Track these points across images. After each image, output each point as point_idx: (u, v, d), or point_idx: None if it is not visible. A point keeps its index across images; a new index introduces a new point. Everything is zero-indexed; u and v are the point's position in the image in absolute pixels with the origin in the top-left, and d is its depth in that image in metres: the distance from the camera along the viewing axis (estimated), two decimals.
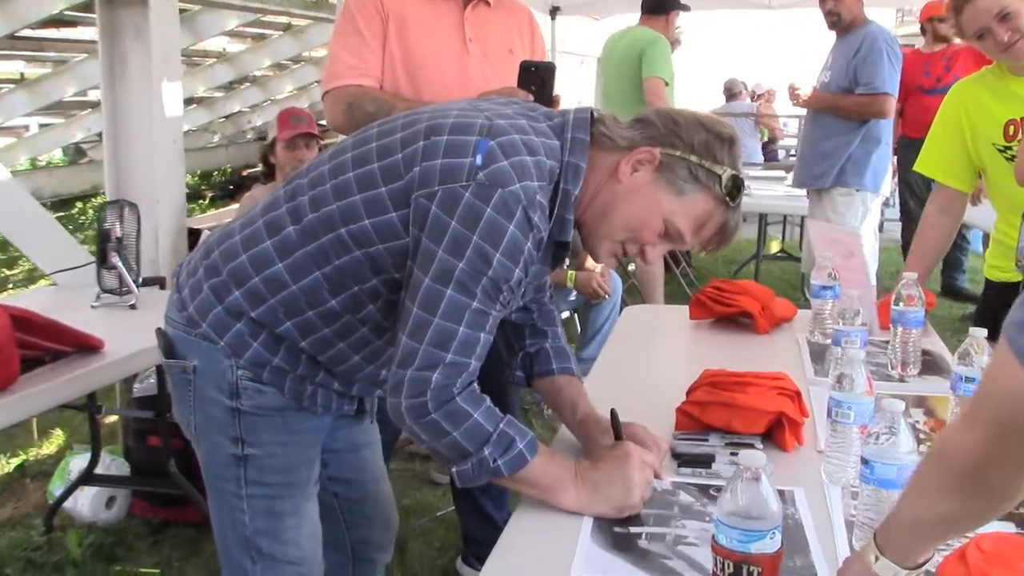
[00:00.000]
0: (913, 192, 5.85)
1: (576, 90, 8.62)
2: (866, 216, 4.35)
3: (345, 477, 1.79)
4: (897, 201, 6.14)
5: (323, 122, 2.51)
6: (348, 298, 1.44)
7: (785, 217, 7.33)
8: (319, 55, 8.55)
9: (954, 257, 5.84)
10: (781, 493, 1.29)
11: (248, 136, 11.12)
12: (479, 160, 1.31)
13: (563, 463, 1.42)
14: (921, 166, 2.54)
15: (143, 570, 2.82)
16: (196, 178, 10.72)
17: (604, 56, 4.94)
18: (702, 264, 6.99)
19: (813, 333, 2.32)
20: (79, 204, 9.32)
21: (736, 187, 1.41)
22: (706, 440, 1.64)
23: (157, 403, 2.87)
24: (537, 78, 2.05)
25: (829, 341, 2.14)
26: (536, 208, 1.33)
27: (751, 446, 1.62)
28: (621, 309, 3.96)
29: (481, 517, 2.59)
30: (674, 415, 1.71)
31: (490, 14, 2.32)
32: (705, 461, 1.55)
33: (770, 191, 6.10)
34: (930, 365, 2.10)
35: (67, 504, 3.07)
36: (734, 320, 2.46)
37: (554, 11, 6.90)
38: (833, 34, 4.39)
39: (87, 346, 2.29)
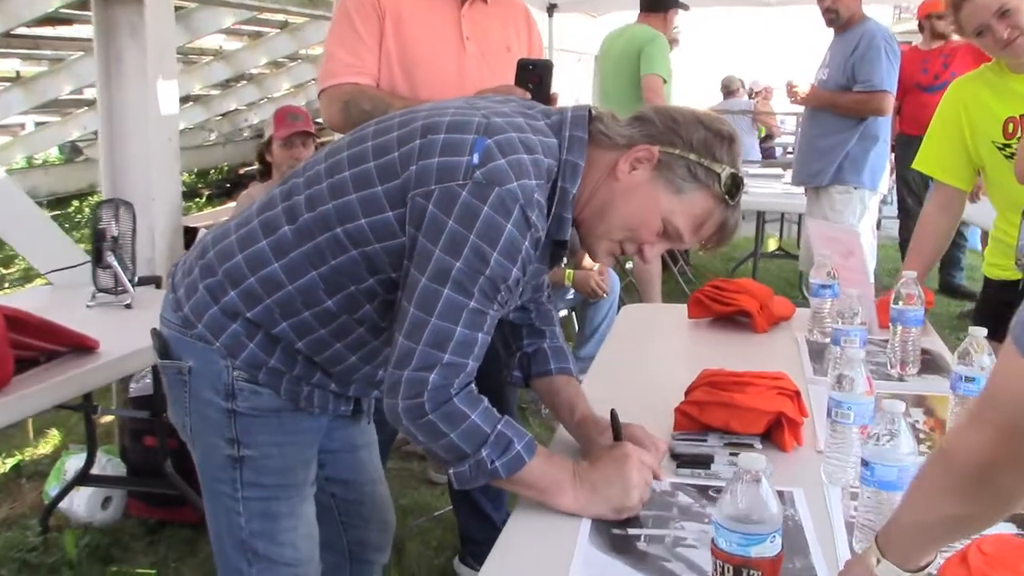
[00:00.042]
0: (911, 189, 5.84)
1: (573, 88, 8.61)
2: (864, 214, 4.34)
3: (342, 478, 1.78)
4: (895, 198, 6.13)
5: (320, 120, 2.49)
6: (344, 298, 1.43)
7: (783, 215, 7.33)
8: (316, 53, 8.52)
9: (952, 255, 5.84)
10: (780, 494, 1.27)
11: (245, 134, 11.09)
12: (476, 159, 1.30)
13: (561, 464, 1.41)
14: (920, 164, 2.53)
15: (139, 571, 2.81)
16: (193, 176, 10.72)
17: (602, 54, 4.93)
18: (700, 262, 6.99)
19: (812, 332, 2.31)
20: (75, 202, 9.31)
21: (735, 185, 1.40)
22: (705, 440, 1.64)
23: (153, 403, 2.87)
24: (534, 76, 2.04)
25: (828, 340, 2.13)
26: (534, 207, 1.32)
27: (750, 446, 1.61)
28: (619, 308, 3.95)
29: (479, 517, 2.58)
30: (672, 415, 1.70)
31: (487, 11, 2.30)
32: (704, 462, 1.54)
33: (768, 189, 6.10)
34: (929, 364, 2.09)
35: (63, 504, 3.05)
36: (732, 319, 2.45)
37: (551, 8, 6.89)
38: (831, 31, 4.38)
39: (82, 346, 2.28)
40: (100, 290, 2.82)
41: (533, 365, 1.69)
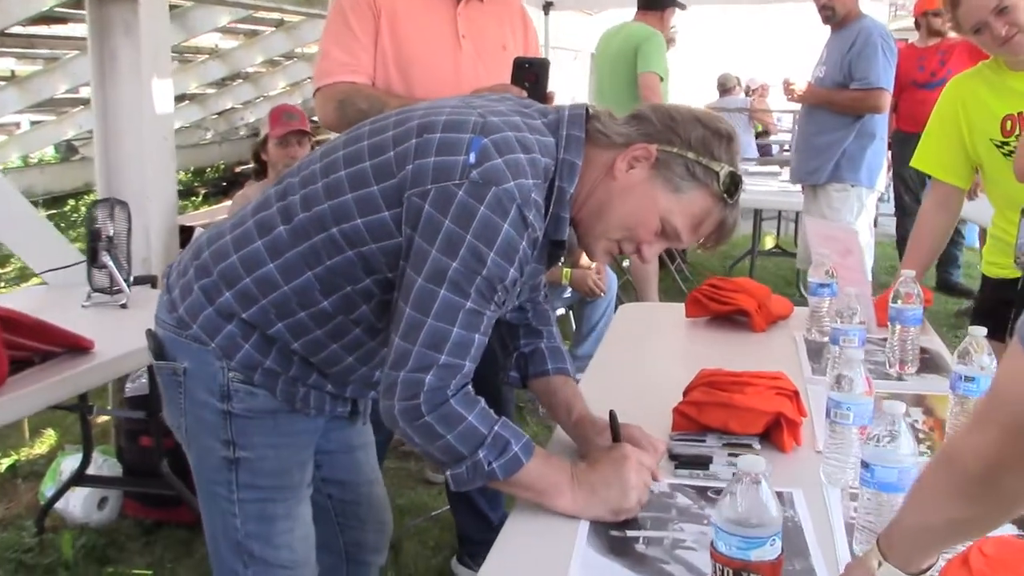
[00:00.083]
0: (908, 187, 5.84)
1: (569, 86, 8.60)
2: (861, 212, 4.34)
3: (339, 479, 1.77)
4: (891, 196, 6.13)
5: (316, 119, 2.48)
6: (340, 299, 1.42)
7: (780, 212, 7.32)
8: (312, 51, 8.51)
9: (949, 252, 5.84)
10: (779, 495, 1.27)
11: (241, 133, 11.08)
12: (473, 158, 1.29)
13: (559, 466, 1.40)
14: (918, 162, 2.52)
15: (135, 572, 2.80)
16: (189, 175, 10.69)
17: (599, 52, 4.92)
18: (697, 260, 6.98)
19: (810, 331, 2.30)
20: (71, 201, 9.28)
21: (734, 184, 1.39)
22: (703, 441, 1.63)
23: (149, 403, 2.85)
24: (531, 74, 2.03)
25: (826, 339, 2.12)
26: (531, 206, 1.31)
27: (749, 447, 1.60)
28: (616, 306, 3.94)
29: (476, 516, 2.58)
30: (671, 415, 1.69)
31: (483, 10, 2.29)
32: (703, 462, 1.53)
33: (765, 186, 6.10)
34: (928, 363, 2.08)
35: (59, 505, 3.04)
36: (730, 318, 2.44)
37: (547, 6, 6.87)
38: (827, 28, 4.37)
39: (77, 346, 2.27)
40: (95, 290, 2.81)
41: (530, 365, 1.68)
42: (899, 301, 1.98)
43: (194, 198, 9.96)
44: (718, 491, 1.44)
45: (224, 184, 10.53)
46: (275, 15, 7.29)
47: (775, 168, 6.91)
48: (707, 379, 1.73)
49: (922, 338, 2.09)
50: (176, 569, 2.81)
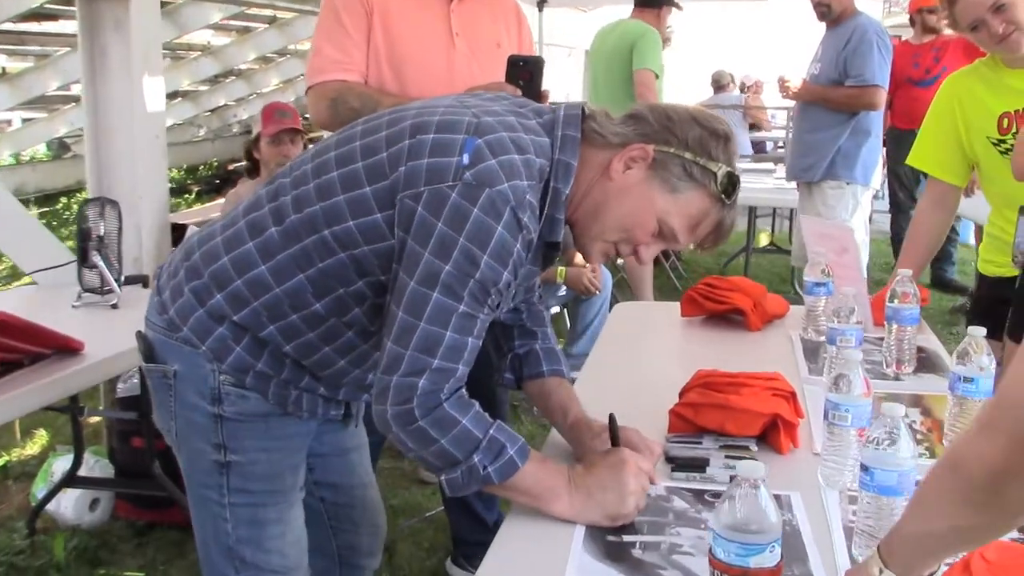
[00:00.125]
0: (902, 184, 5.84)
1: (564, 83, 8.59)
2: (856, 209, 4.33)
3: (332, 481, 1.75)
4: (886, 193, 6.13)
5: (308, 116, 2.46)
6: (333, 301, 1.40)
7: (774, 210, 7.32)
8: (305, 48, 8.48)
9: (944, 249, 5.82)
10: (777, 497, 1.25)
11: (234, 130, 11.04)
12: (466, 159, 1.27)
13: (556, 470, 1.38)
14: (914, 160, 2.51)
15: (127, 574, 2.78)
16: (182, 173, 10.66)
17: (594, 48, 4.91)
18: (691, 257, 6.97)
19: (806, 330, 2.29)
20: (63, 199, 9.24)
21: (732, 185, 1.37)
22: (700, 443, 1.61)
23: (140, 404, 2.83)
24: (525, 72, 2.01)
25: (823, 338, 2.11)
26: (525, 208, 1.29)
27: (746, 448, 1.59)
28: (611, 304, 3.93)
29: (471, 518, 2.56)
30: (666, 416, 1.68)
31: (477, 7, 2.27)
32: (699, 465, 1.52)
33: (759, 184, 6.10)
34: (925, 363, 2.07)
35: (50, 506, 3.02)
36: (726, 317, 2.43)
37: (541, 3, 6.87)
38: (823, 25, 4.36)
39: (66, 348, 2.24)
40: (86, 290, 2.79)
41: (525, 367, 1.66)
42: (896, 300, 1.97)
43: (187, 196, 9.93)
44: (715, 494, 1.43)
45: (217, 182, 10.50)
46: (267, 12, 7.27)
47: (770, 165, 6.91)
48: (703, 380, 1.72)
49: (919, 337, 2.08)
50: (168, 571, 2.79)
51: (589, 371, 2.10)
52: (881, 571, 1.00)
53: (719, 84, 9.76)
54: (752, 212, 6.40)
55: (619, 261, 5.22)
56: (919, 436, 1.67)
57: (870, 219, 4.68)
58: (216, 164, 11.09)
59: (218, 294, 1.43)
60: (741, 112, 9.01)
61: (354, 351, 1.48)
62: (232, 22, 7.50)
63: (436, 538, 2.95)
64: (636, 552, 1.28)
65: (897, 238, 5.96)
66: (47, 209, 8.81)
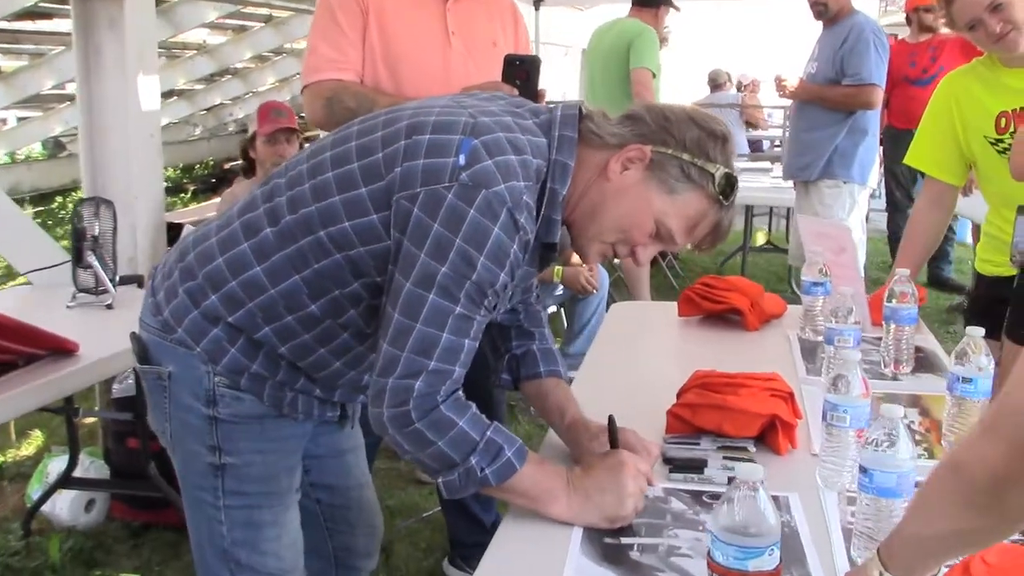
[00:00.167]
0: (899, 182, 5.84)
1: (560, 82, 8.58)
2: (854, 208, 4.33)
3: (328, 483, 1.75)
4: (882, 192, 6.13)
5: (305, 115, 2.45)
6: (328, 302, 1.39)
7: (771, 209, 7.32)
8: (301, 47, 8.47)
9: (940, 248, 5.81)
10: (775, 498, 1.25)
11: (230, 129, 11.02)
12: (462, 160, 1.26)
13: (554, 471, 1.38)
14: (912, 159, 2.50)
15: (123, 575, 2.77)
16: (178, 171, 10.62)
17: (591, 47, 4.90)
18: (688, 256, 6.97)
19: (804, 330, 2.28)
20: (59, 199, 9.21)
21: (730, 186, 1.36)
22: (698, 444, 1.61)
23: (136, 404, 2.81)
24: (522, 72, 2.00)
25: (821, 338, 2.11)
26: (522, 209, 1.28)
27: (744, 449, 1.58)
28: (608, 303, 3.92)
29: (468, 518, 2.55)
30: (664, 417, 1.67)
31: (473, 5, 2.26)
32: (697, 466, 1.51)
33: (756, 183, 6.09)
34: (923, 362, 2.06)
35: (45, 508, 3.01)
36: (723, 317, 2.42)
37: (538, 1, 6.86)
38: (819, 24, 4.35)
39: (61, 349, 2.23)
40: (81, 290, 2.78)
41: (522, 367, 1.65)
42: (894, 300, 1.97)
43: (183, 195, 9.90)
44: (713, 495, 1.42)
45: (213, 180, 10.47)
46: (263, 11, 7.26)
47: (766, 164, 6.91)
48: (701, 381, 1.71)
49: (916, 337, 2.07)
50: (164, 572, 2.78)
51: (586, 371, 2.09)
52: (881, 574, 0.99)
53: (715, 83, 9.75)
54: (749, 211, 6.40)
55: (616, 260, 5.24)
56: (917, 437, 1.67)
57: (867, 218, 4.68)
58: (212, 163, 11.06)
59: (213, 295, 1.42)
60: (738, 111, 9.00)
61: (350, 353, 1.47)
62: (228, 21, 7.48)
63: (433, 539, 2.94)
64: (634, 554, 1.27)
65: (894, 237, 5.96)
66: (42, 208, 8.78)
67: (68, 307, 2.75)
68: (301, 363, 1.46)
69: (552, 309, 4.29)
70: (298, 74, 8.62)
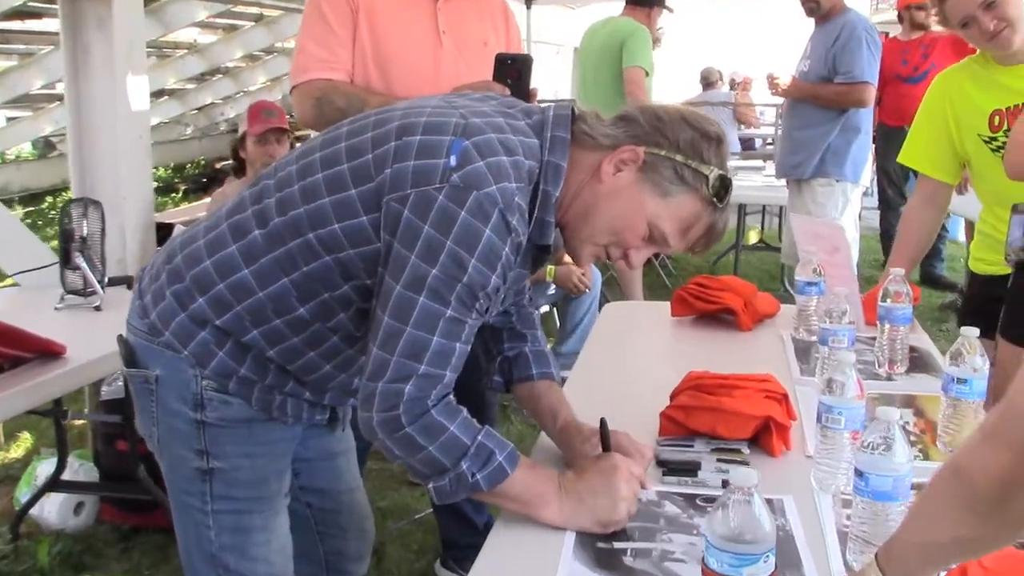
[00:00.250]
0: (891, 181, 5.84)
1: (552, 80, 8.56)
2: (846, 207, 4.32)
3: (318, 487, 1.73)
4: (875, 190, 6.13)
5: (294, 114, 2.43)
6: (318, 306, 1.38)
7: (764, 207, 7.31)
8: (291, 46, 8.41)
9: (933, 245, 5.82)
10: (769, 501, 1.24)
11: (221, 128, 10.98)
12: (453, 161, 1.25)
13: (545, 475, 1.36)
14: (905, 157, 2.50)
15: None
16: (169, 171, 10.59)
17: (583, 46, 4.88)
18: (681, 255, 6.92)
19: (798, 330, 2.27)
20: (49, 199, 9.17)
21: (724, 188, 1.35)
22: (691, 446, 1.59)
23: (124, 407, 2.79)
24: (513, 71, 1.98)
25: (814, 338, 2.10)
26: (514, 211, 1.26)
27: (738, 451, 1.57)
28: (601, 303, 3.91)
29: (460, 520, 2.53)
30: (657, 418, 1.65)
31: (464, 5, 2.24)
32: (691, 469, 1.49)
33: (749, 181, 6.09)
34: (917, 362, 2.06)
35: (34, 511, 2.98)
36: (716, 317, 2.41)
37: (529, 0, 6.83)
38: (811, 22, 4.35)
39: (48, 352, 2.21)
40: (69, 292, 2.75)
41: (514, 370, 1.64)
42: (889, 300, 1.95)
43: (174, 195, 9.87)
44: (707, 499, 1.41)
45: (204, 180, 10.44)
46: (254, 10, 7.23)
47: (759, 163, 6.90)
48: (695, 382, 1.70)
49: (911, 336, 2.06)
50: (154, 575, 2.75)
51: (579, 372, 2.08)
52: None
53: (708, 81, 9.75)
54: (742, 209, 6.39)
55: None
56: (912, 437, 1.66)
57: (859, 216, 4.68)
58: (203, 162, 11.03)
59: (200, 298, 1.40)
60: (730, 109, 9.00)
61: (339, 356, 1.45)
62: (218, 20, 7.45)
63: (425, 540, 2.92)
64: (627, 559, 1.26)
65: (886, 235, 5.96)
66: (33, 209, 8.74)
67: (56, 309, 2.72)
68: (290, 366, 1.45)
69: (544, 308, 4.28)
70: (288, 73, 8.63)
